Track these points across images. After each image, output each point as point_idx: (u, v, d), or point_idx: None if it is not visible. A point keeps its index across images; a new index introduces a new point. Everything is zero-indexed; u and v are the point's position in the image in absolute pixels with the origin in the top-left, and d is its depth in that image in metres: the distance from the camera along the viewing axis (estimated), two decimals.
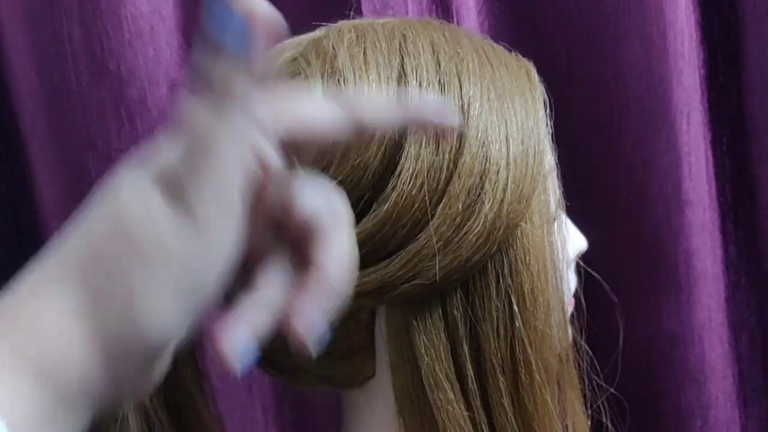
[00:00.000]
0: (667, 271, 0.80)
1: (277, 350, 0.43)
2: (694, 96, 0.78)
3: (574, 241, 0.48)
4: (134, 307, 0.25)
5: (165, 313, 0.26)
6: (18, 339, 0.25)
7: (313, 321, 0.27)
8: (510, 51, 0.44)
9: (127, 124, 0.74)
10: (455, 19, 0.78)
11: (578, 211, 0.83)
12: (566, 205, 0.83)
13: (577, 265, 0.84)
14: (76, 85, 0.73)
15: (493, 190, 0.38)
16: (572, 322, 0.49)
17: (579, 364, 0.44)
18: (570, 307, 0.48)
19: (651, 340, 0.82)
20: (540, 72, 0.81)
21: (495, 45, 0.43)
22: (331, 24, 0.43)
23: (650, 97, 0.77)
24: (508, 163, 0.38)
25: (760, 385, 0.88)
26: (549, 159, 0.44)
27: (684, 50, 0.76)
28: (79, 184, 0.74)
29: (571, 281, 0.48)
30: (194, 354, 0.43)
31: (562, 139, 0.82)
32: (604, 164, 0.80)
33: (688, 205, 0.78)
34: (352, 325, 0.41)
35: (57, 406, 0.25)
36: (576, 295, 0.49)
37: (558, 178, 0.46)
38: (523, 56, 0.81)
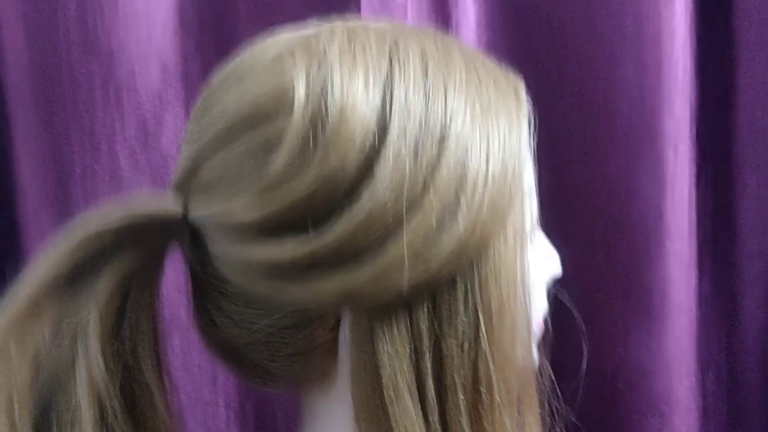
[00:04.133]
0: (641, 300, 0.80)
1: (240, 346, 0.43)
2: (683, 127, 0.78)
3: (548, 265, 0.48)
4: None
5: None
6: None
7: None
8: (501, 66, 0.43)
9: (113, 102, 0.73)
10: (454, 31, 0.78)
11: (557, 233, 0.83)
12: (545, 224, 0.83)
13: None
14: (66, 57, 0.72)
15: (468, 206, 0.37)
16: (539, 346, 0.48)
17: (541, 388, 0.43)
18: (538, 330, 0.48)
19: (618, 368, 0.82)
20: (531, 90, 0.81)
21: (486, 60, 0.43)
22: (324, 23, 0.42)
23: (639, 124, 0.77)
24: (486, 181, 0.38)
25: (724, 422, 0.89)
26: (529, 179, 0.43)
27: (678, 80, 0.77)
28: (61, 156, 0.73)
29: (541, 304, 0.47)
30: (156, 345, 0.42)
31: (546, 159, 0.82)
32: (586, 188, 0.80)
33: (667, 236, 0.79)
34: (318, 328, 0.40)
35: None
36: (545, 320, 0.49)
37: (537, 198, 0.46)
38: (515, 68, 0.82)
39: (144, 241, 0.40)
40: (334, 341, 0.41)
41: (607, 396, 0.83)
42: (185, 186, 0.42)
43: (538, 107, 0.82)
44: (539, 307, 0.47)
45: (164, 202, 0.41)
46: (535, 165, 0.80)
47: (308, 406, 0.46)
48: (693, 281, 0.83)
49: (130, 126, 0.74)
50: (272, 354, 0.41)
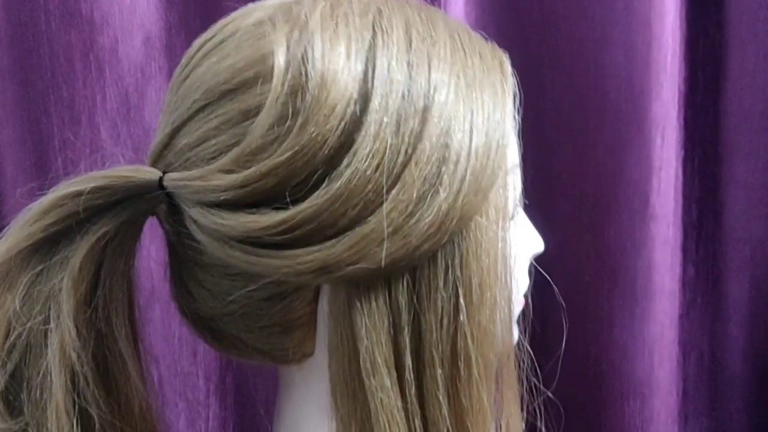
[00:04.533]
0: (625, 283, 0.80)
1: (216, 318, 0.42)
2: (671, 112, 0.78)
3: (530, 242, 0.47)
4: None
5: None
6: None
7: None
8: (487, 40, 0.42)
9: (94, 72, 0.72)
10: (442, 8, 0.77)
11: (543, 213, 0.82)
12: (531, 206, 0.82)
13: (534, 268, 0.84)
14: (45, 26, 0.70)
15: (450, 180, 0.36)
16: (519, 323, 0.48)
17: (520, 365, 0.43)
18: (519, 307, 0.47)
19: (602, 349, 0.82)
20: (520, 70, 0.80)
21: (472, 32, 0.42)
22: None
23: (628, 107, 0.77)
24: (469, 154, 0.37)
25: (704, 405, 0.89)
26: (513, 155, 0.43)
27: (667, 64, 0.76)
28: (39, 126, 0.71)
29: (522, 281, 0.47)
30: (130, 313, 0.42)
31: (534, 139, 0.82)
32: (574, 170, 0.80)
33: (653, 220, 0.78)
34: (295, 301, 0.40)
35: None
36: (527, 296, 0.49)
37: (521, 175, 0.45)
38: (506, 50, 0.81)
39: (118, 206, 0.40)
40: (313, 314, 0.40)
41: (590, 378, 0.84)
42: (163, 154, 0.41)
43: (528, 88, 0.81)
44: (520, 284, 0.46)
45: (140, 169, 0.40)
46: (522, 145, 0.80)
47: (286, 378, 0.45)
48: (677, 266, 0.83)
49: (111, 98, 0.72)
50: (249, 326, 0.41)
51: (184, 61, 0.42)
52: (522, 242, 0.46)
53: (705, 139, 0.84)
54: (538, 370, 0.43)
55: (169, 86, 0.43)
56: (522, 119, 0.82)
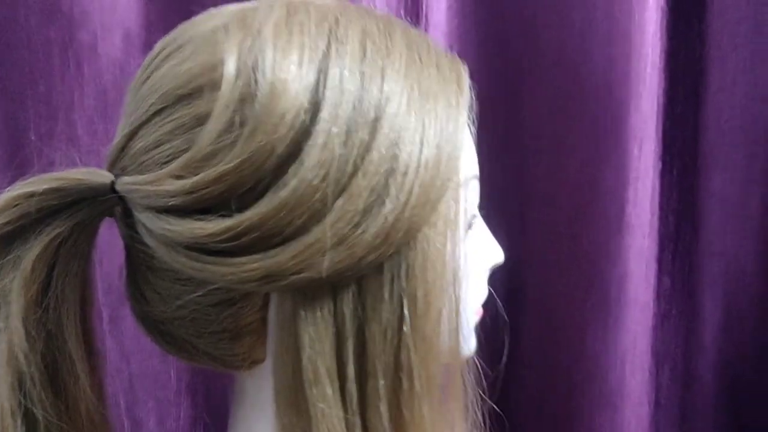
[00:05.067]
0: (599, 293, 0.80)
1: (167, 321, 0.42)
2: (649, 123, 0.78)
3: (488, 253, 0.47)
4: None
5: None
6: None
7: None
8: (446, 52, 0.42)
9: (73, 68, 0.72)
10: (424, 16, 0.77)
11: (519, 221, 0.83)
12: (507, 213, 0.83)
13: (498, 280, 0.84)
14: (24, 21, 0.70)
15: (397, 191, 0.36)
16: (479, 334, 0.48)
17: (472, 377, 0.43)
18: (476, 317, 0.47)
19: (574, 359, 0.82)
20: (500, 78, 0.81)
21: (432, 44, 0.42)
22: None
23: (606, 118, 0.77)
24: (418, 166, 0.37)
25: (675, 415, 0.90)
26: (469, 167, 0.42)
27: (646, 76, 0.76)
28: (15, 122, 0.71)
29: (480, 292, 0.47)
30: (82, 316, 0.42)
31: (512, 147, 0.82)
32: (551, 178, 0.80)
33: (628, 230, 0.79)
34: (244, 308, 0.40)
35: None
36: (485, 307, 0.49)
37: (478, 186, 0.45)
38: (487, 59, 0.81)
39: (71, 208, 0.40)
40: (263, 321, 0.41)
41: (562, 387, 0.84)
42: (119, 157, 0.41)
43: (507, 96, 0.82)
44: (477, 296, 0.46)
45: (94, 171, 0.40)
46: (500, 152, 0.80)
47: (239, 385, 0.45)
48: (652, 277, 0.84)
49: (89, 95, 0.72)
50: (198, 331, 0.41)
51: (145, 63, 0.42)
52: (479, 254, 0.46)
53: (684, 151, 0.84)
54: (483, 382, 0.43)
55: (130, 88, 0.43)
56: (500, 127, 0.83)
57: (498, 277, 0.82)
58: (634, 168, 0.78)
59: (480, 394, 0.42)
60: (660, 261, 0.85)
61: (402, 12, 0.76)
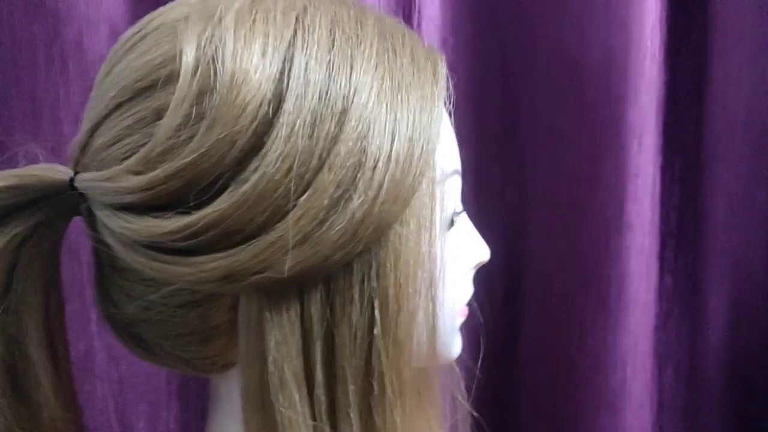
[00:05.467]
0: (598, 293, 0.78)
1: (135, 323, 0.40)
2: (649, 118, 0.76)
3: (472, 251, 0.45)
4: None
5: None
6: None
7: None
8: (422, 41, 0.40)
9: (58, 65, 0.71)
10: (416, 8, 0.75)
11: (517, 220, 0.81)
12: (504, 209, 0.81)
13: (507, 277, 0.82)
14: (8, 17, 0.69)
15: (365, 186, 0.35)
16: (463, 335, 0.46)
17: (452, 380, 0.41)
18: (460, 318, 0.45)
19: (573, 360, 0.81)
20: (497, 70, 0.79)
21: (408, 32, 0.40)
22: None
23: (605, 112, 0.75)
24: (389, 160, 0.35)
25: (680, 417, 0.88)
26: (449, 162, 0.41)
27: (644, 69, 0.74)
28: None
29: (462, 292, 0.45)
30: (45, 319, 0.40)
31: (510, 142, 0.80)
32: (549, 174, 0.78)
33: (628, 228, 0.77)
34: (211, 309, 0.38)
35: None
36: (470, 305, 0.47)
37: (460, 181, 0.43)
38: (483, 52, 0.79)
39: (31, 206, 0.38)
40: (233, 323, 0.39)
41: (562, 388, 0.82)
42: (81, 153, 0.39)
43: (503, 89, 0.80)
44: (459, 296, 0.44)
45: (53, 168, 0.39)
46: (497, 147, 0.78)
47: (213, 389, 0.44)
48: (653, 275, 0.81)
49: (75, 92, 0.71)
50: (166, 333, 0.39)
51: (109, 55, 0.41)
52: (461, 252, 0.44)
53: (686, 145, 0.82)
54: (462, 386, 0.41)
55: (95, 81, 0.41)
56: (498, 121, 0.81)
57: (496, 276, 0.81)
58: (634, 164, 0.75)
59: (469, 401, 0.40)
60: (661, 259, 0.82)
61: (394, 4, 0.75)
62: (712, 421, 0.86)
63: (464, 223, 0.45)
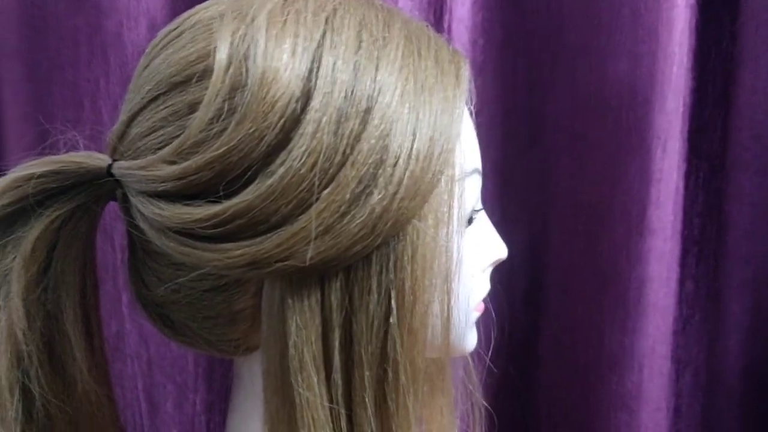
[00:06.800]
0: (617, 296, 0.79)
1: (165, 305, 0.43)
2: (674, 124, 0.76)
3: (490, 249, 0.47)
4: None
5: None
6: None
7: None
8: (447, 44, 0.42)
9: (99, 56, 0.73)
10: (447, 11, 0.76)
11: (539, 221, 0.82)
12: (526, 210, 0.82)
13: (528, 277, 0.83)
14: (53, 8, 0.72)
15: (386, 182, 0.36)
16: (480, 329, 0.48)
17: (484, 375, 0.43)
18: (476, 313, 0.47)
19: (591, 360, 0.81)
20: (524, 72, 0.80)
21: (433, 35, 0.42)
22: None
23: (629, 117, 0.76)
24: (409, 158, 0.37)
25: (697, 422, 0.88)
26: (468, 161, 0.42)
27: (672, 76, 0.74)
28: (41, 106, 0.73)
29: (479, 288, 0.47)
30: (82, 297, 0.42)
31: (533, 144, 0.81)
32: (572, 177, 0.79)
33: (649, 232, 0.77)
34: (236, 294, 0.40)
35: None
36: (486, 302, 0.48)
37: (480, 181, 0.44)
38: (512, 54, 0.80)
39: (71, 191, 0.41)
40: (257, 308, 0.41)
41: (578, 388, 0.83)
42: (118, 142, 0.42)
43: (529, 91, 0.81)
44: (476, 291, 0.46)
45: (92, 155, 0.41)
46: (521, 149, 0.78)
47: (236, 371, 0.46)
48: (674, 281, 0.82)
49: (114, 83, 0.74)
50: (193, 315, 0.42)
51: (147, 50, 0.43)
52: (479, 249, 0.45)
53: (711, 153, 0.82)
54: (474, 378, 0.43)
55: (134, 74, 0.43)
56: (524, 122, 0.82)
57: (518, 276, 0.82)
58: (658, 169, 0.76)
59: (486, 398, 0.42)
60: (683, 265, 0.83)
61: (425, 6, 0.76)
62: (730, 428, 0.86)
63: (483, 220, 0.46)
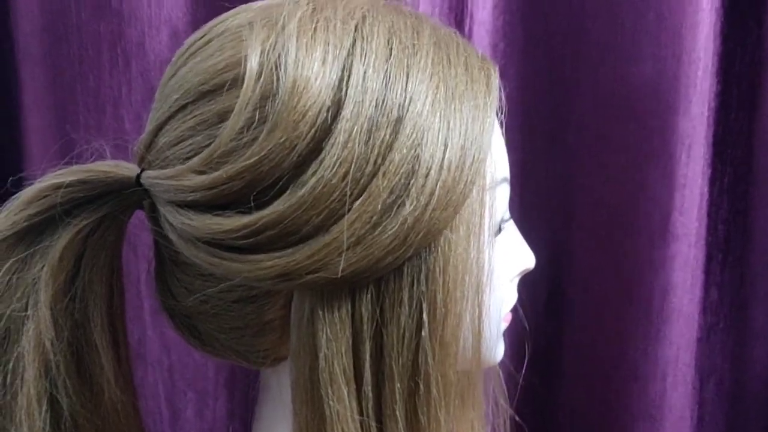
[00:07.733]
0: (641, 303, 0.78)
1: (192, 316, 0.42)
2: (699, 128, 0.75)
3: (518, 259, 0.46)
4: None
5: None
6: None
7: None
8: (476, 52, 0.42)
9: (121, 64, 0.73)
10: (469, 12, 0.76)
11: (562, 226, 0.81)
12: (549, 214, 0.81)
13: (551, 283, 0.82)
14: (76, 16, 0.72)
15: (418, 192, 0.36)
16: (506, 340, 0.47)
17: (498, 384, 0.42)
18: (504, 324, 0.46)
19: (613, 369, 0.81)
20: (546, 76, 0.79)
21: (462, 42, 0.41)
22: None
23: (653, 121, 0.75)
24: (440, 168, 0.36)
25: (721, 431, 0.87)
26: (498, 170, 0.42)
27: (697, 80, 0.74)
28: (65, 113, 0.73)
29: (507, 298, 0.46)
30: (109, 307, 0.42)
31: (556, 148, 0.80)
32: (594, 181, 0.78)
33: (673, 239, 0.76)
34: (266, 305, 0.40)
35: None
36: (515, 312, 0.48)
37: (508, 190, 0.44)
38: (533, 58, 0.80)
39: (98, 200, 0.40)
40: (285, 318, 0.41)
41: (601, 396, 0.82)
42: (145, 151, 0.41)
43: (552, 95, 0.80)
44: (504, 302, 0.45)
45: (120, 165, 0.41)
46: (543, 153, 0.78)
47: (263, 382, 0.46)
48: (698, 288, 0.81)
49: (136, 90, 0.74)
50: (221, 326, 0.41)
51: (174, 59, 0.43)
52: (507, 259, 0.45)
53: (736, 158, 0.81)
54: (505, 390, 0.42)
55: (160, 83, 0.43)
56: (546, 126, 0.81)
57: (540, 283, 0.81)
58: (682, 174, 0.75)
59: (508, 403, 0.41)
60: (707, 272, 0.82)
61: (446, 10, 0.76)
62: None
63: (511, 230, 0.46)
